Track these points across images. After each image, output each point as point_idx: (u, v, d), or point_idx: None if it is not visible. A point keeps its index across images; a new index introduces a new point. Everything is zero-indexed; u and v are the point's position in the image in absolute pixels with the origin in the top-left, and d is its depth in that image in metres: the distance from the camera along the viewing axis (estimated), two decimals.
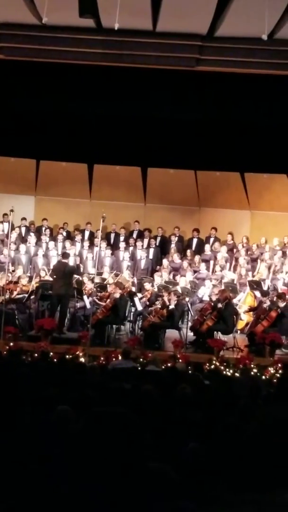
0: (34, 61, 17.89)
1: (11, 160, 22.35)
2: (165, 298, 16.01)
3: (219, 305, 15.61)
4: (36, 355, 13.83)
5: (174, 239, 21.16)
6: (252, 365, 14.09)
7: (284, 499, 2.44)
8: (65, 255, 17.05)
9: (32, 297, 16.69)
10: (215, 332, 15.76)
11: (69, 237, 21.22)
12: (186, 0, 15.07)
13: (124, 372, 11.44)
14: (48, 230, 21.34)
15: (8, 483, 3.46)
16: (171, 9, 15.43)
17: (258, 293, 17.49)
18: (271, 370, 13.89)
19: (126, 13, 14.34)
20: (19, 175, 22.32)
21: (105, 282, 17.73)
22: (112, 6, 14.20)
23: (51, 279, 16.89)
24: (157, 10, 15.75)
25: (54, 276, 16.45)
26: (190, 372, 12.46)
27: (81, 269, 18.54)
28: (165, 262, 19.65)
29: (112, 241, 21.41)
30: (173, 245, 20.92)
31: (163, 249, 21.16)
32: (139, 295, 17.33)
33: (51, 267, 18.08)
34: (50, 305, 16.41)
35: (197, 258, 19.79)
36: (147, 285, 17.36)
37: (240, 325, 16.95)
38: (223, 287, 17.14)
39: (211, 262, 19.83)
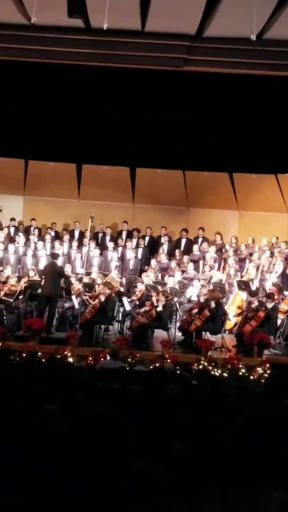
0: (23, 61, 17.84)
1: None
2: (154, 299, 16.01)
3: (212, 305, 15.62)
4: (24, 355, 13.81)
5: (165, 240, 21.15)
6: (240, 365, 14.12)
7: (271, 496, 2.45)
8: (54, 255, 17.06)
9: (21, 297, 16.67)
10: (203, 332, 15.78)
11: (58, 237, 21.21)
12: (175, 0, 15.07)
13: (112, 372, 11.44)
14: (36, 230, 21.33)
15: None
16: (160, 9, 15.42)
17: (245, 294, 17.52)
18: (259, 370, 13.92)
19: (115, 13, 14.33)
20: (7, 175, 22.28)
21: (93, 282, 17.71)
22: (100, 6, 14.19)
23: (39, 279, 16.89)
24: (145, 10, 15.75)
25: (43, 277, 16.43)
26: (178, 372, 12.47)
27: (70, 270, 18.48)
28: (153, 262, 19.67)
29: (99, 240, 21.40)
30: (164, 246, 20.91)
31: (151, 249, 21.18)
32: (133, 296, 17.32)
33: (40, 267, 18.08)
34: (39, 305, 16.41)
35: (185, 258, 19.80)
36: (140, 285, 17.34)
37: (228, 325, 16.96)
38: (211, 287, 17.15)
39: (200, 262, 19.85)
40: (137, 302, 16.84)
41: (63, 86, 18.54)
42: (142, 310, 16.17)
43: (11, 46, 17.35)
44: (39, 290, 16.48)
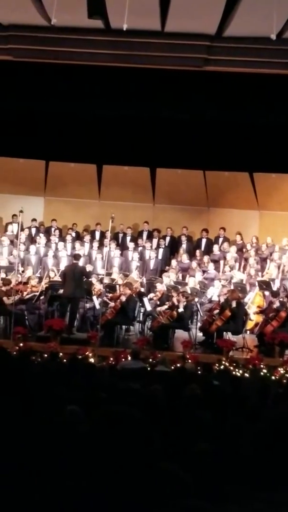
0: (43, 62, 17.93)
1: (20, 161, 22.41)
2: (174, 299, 16.00)
3: (233, 305, 15.59)
4: (45, 355, 13.84)
5: (184, 240, 21.15)
6: (261, 366, 14.06)
7: None
8: (76, 256, 17.07)
9: (42, 297, 16.71)
10: (224, 332, 15.75)
11: (78, 237, 21.25)
12: (195, 0, 15.06)
13: (133, 373, 11.44)
14: (57, 230, 21.39)
15: (17, 483, 3.47)
16: (180, 9, 15.42)
17: (267, 293, 17.47)
18: (281, 370, 13.87)
19: (135, 14, 14.33)
20: (28, 176, 22.38)
21: (114, 283, 17.72)
22: (120, 7, 14.20)
23: (60, 279, 16.89)
24: (165, 11, 15.75)
25: (64, 278, 16.38)
26: (199, 372, 12.46)
27: (91, 270, 18.48)
28: (173, 262, 19.65)
29: (120, 241, 21.42)
30: (183, 246, 20.91)
31: (172, 249, 21.16)
32: (151, 295, 17.32)
33: (61, 267, 18.10)
34: (60, 306, 16.42)
35: (206, 258, 19.77)
36: (159, 286, 17.34)
37: (250, 325, 16.91)
38: (232, 287, 17.11)
39: (221, 262, 19.80)
40: (158, 302, 16.83)
41: (84, 87, 18.62)
42: (163, 308, 16.18)
43: (31, 47, 17.46)
44: (60, 291, 16.49)
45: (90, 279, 17.10)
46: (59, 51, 17.47)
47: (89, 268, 18.33)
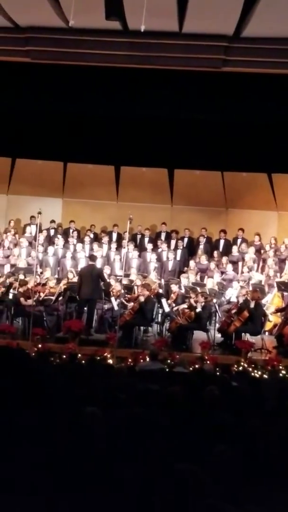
0: (61, 64, 17.97)
1: (38, 163, 22.49)
2: (192, 300, 15.97)
3: (251, 306, 15.54)
4: (64, 356, 13.86)
5: (203, 241, 21.12)
6: (280, 367, 14.00)
7: None
8: (92, 257, 17.09)
9: (60, 298, 16.74)
10: (243, 333, 15.71)
11: (96, 239, 21.27)
12: (212, 1, 15.02)
13: (151, 374, 11.43)
14: (75, 232, 21.42)
15: (36, 482, 3.48)
16: (197, 10, 15.40)
17: (286, 294, 17.40)
18: None
19: (152, 15, 14.33)
20: (46, 177, 22.46)
21: (132, 284, 17.72)
22: (138, 8, 14.21)
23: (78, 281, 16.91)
24: (183, 12, 15.74)
25: (80, 280, 16.38)
26: (218, 373, 12.42)
27: (109, 272, 18.48)
28: (192, 263, 19.62)
29: (138, 242, 21.41)
30: (201, 247, 20.87)
31: (190, 251, 21.13)
32: (169, 300, 17.30)
33: (79, 269, 18.12)
34: (78, 307, 16.45)
35: (224, 259, 19.72)
36: (174, 287, 17.33)
37: (268, 326, 16.85)
38: (250, 288, 17.06)
39: (239, 264, 19.75)
40: (173, 305, 16.80)
41: (101, 89, 18.64)
42: (182, 306, 16.17)
43: (49, 49, 17.50)
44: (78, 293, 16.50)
45: (107, 282, 17.09)
46: (76, 52, 17.50)
47: (107, 270, 18.34)
